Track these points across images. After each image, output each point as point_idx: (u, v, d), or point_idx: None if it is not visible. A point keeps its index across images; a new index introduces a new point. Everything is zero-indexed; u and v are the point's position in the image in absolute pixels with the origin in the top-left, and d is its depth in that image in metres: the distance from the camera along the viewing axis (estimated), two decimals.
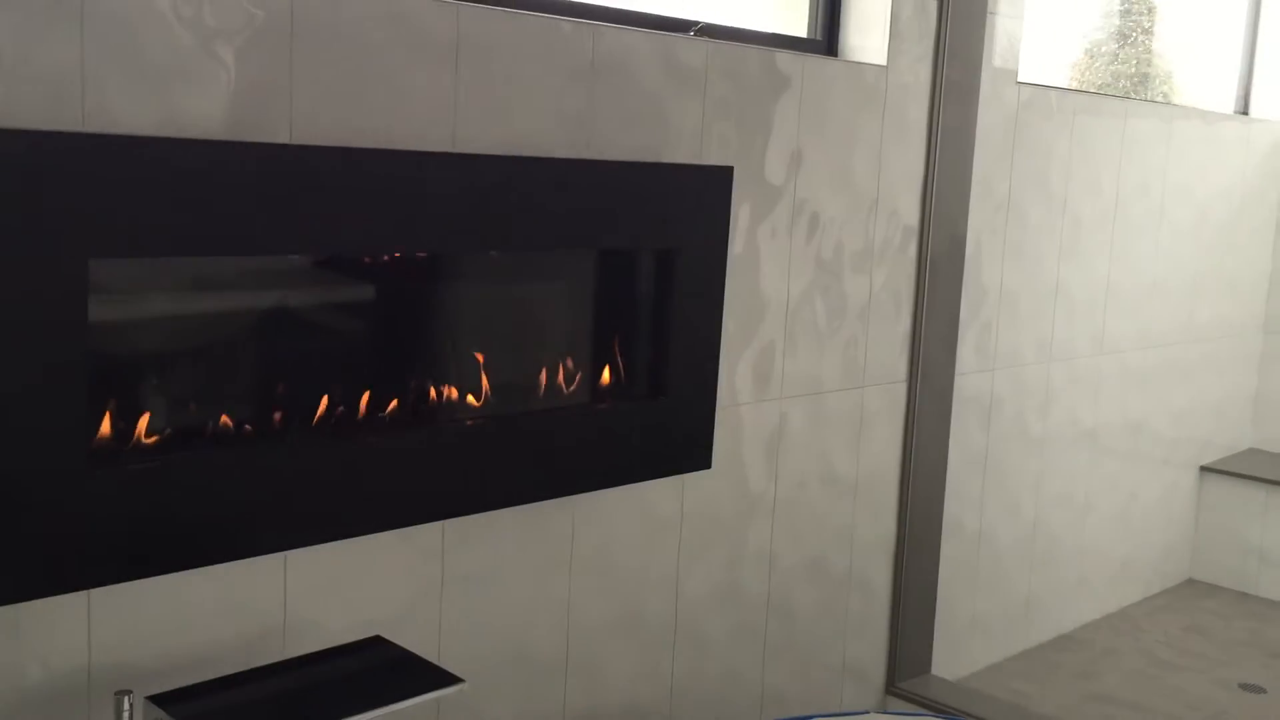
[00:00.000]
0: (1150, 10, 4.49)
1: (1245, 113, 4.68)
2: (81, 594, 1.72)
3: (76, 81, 1.64)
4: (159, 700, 1.57)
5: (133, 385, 1.73)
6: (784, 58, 2.64)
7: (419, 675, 1.72)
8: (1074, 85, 4.04)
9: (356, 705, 1.59)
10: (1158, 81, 4.48)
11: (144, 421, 1.73)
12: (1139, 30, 4.44)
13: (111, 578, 1.66)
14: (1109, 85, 4.20)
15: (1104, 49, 4.28)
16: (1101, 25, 4.25)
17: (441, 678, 1.70)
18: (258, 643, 1.93)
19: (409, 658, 1.79)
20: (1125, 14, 4.35)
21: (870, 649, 3.16)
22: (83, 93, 1.65)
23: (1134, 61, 4.40)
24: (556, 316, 2.33)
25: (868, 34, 2.93)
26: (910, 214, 3.01)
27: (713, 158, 2.48)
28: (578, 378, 2.26)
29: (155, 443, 1.73)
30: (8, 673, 1.68)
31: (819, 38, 2.93)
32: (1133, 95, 4.23)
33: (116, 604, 1.77)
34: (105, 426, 1.65)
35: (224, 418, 1.79)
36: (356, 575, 2.06)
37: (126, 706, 1.53)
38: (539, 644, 2.37)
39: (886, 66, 2.88)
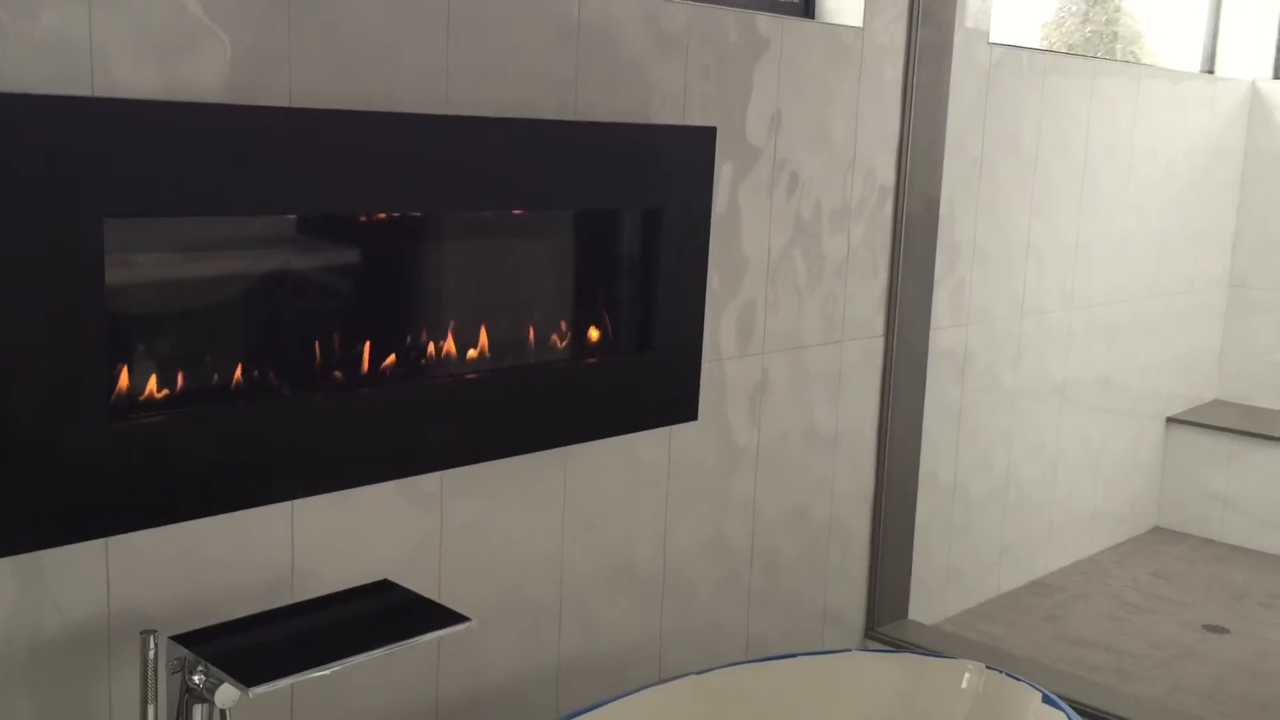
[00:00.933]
0: None
1: (1211, 71, 4.78)
2: (100, 543, 1.80)
3: (85, 48, 1.70)
4: (182, 640, 1.64)
5: (145, 342, 1.80)
6: (763, 20, 2.71)
7: (427, 615, 1.81)
8: (1045, 46, 4.13)
9: (371, 642, 1.67)
10: (1126, 41, 4.57)
11: (154, 378, 1.79)
12: None
13: (130, 526, 1.74)
14: (1079, 45, 4.29)
15: (1074, 8, 4.36)
16: None
17: (449, 617, 1.78)
18: (266, 589, 2.01)
19: (416, 599, 1.88)
20: None
21: (850, 595, 3.27)
22: (90, 59, 1.71)
23: (1104, 21, 4.49)
24: (548, 275, 2.40)
25: None
26: (886, 173, 3.09)
27: (695, 119, 2.55)
28: (569, 334, 2.34)
29: (166, 397, 1.80)
30: (28, 619, 1.75)
31: (797, 0, 3.00)
32: (1101, 55, 4.32)
33: (132, 552, 1.84)
34: (122, 381, 1.72)
35: (236, 373, 1.86)
36: (359, 524, 2.14)
37: (152, 645, 1.60)
38: (534, 591, 2.46)
39: (863, 28, 2.95)
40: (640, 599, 2.68)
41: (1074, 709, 2.16)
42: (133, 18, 1.74)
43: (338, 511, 2.10)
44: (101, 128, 1.61)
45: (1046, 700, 2.16)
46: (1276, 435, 4.51)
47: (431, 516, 2.25)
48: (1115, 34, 4.51)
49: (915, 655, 2.38)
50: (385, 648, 1.66)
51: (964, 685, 2.27)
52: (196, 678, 1.61)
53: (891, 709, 2.28)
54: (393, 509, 2.18)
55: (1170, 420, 4.66)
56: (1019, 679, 2.23)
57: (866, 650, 2.75)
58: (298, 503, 2.03)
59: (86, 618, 1.82)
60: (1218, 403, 4.88)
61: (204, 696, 1.62)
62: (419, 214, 2.14)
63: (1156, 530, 4.63)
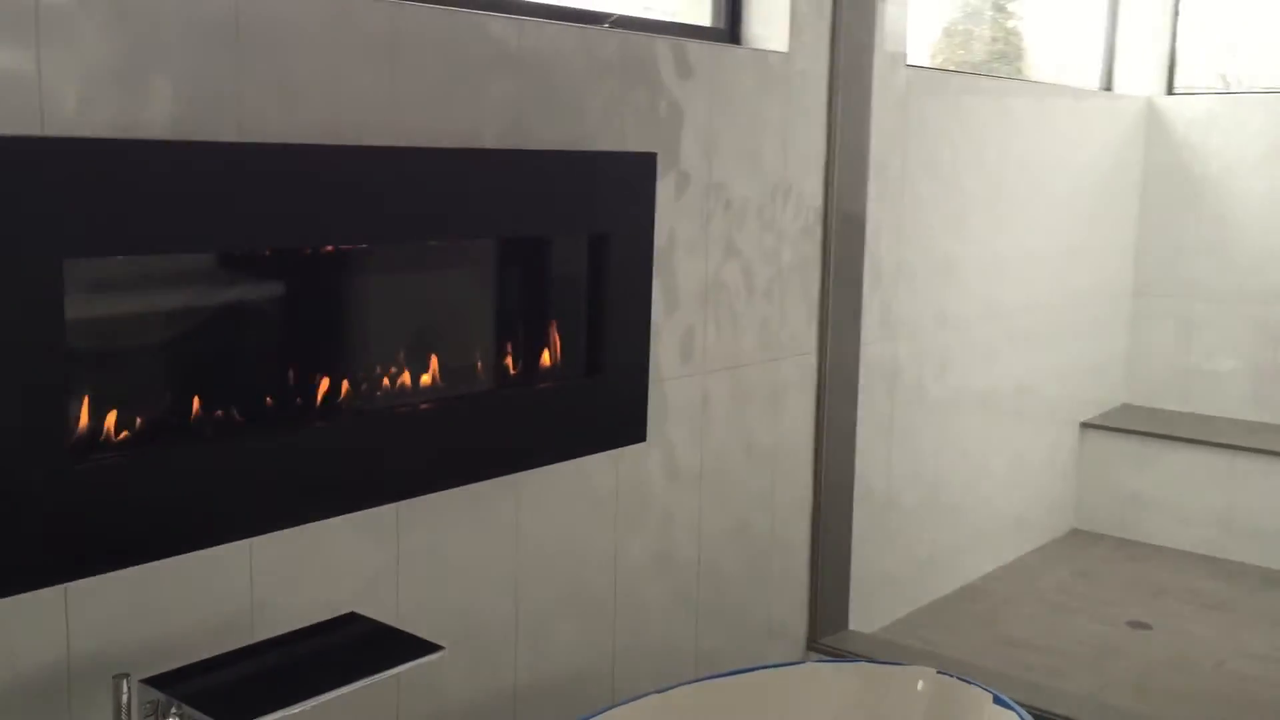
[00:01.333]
0: None
1: (1109, 89, 4.98)
2: (59, 587, 1.77)
3: (34, 87, 1.68)
4: (154, 682, 1.62)
5: (101, 381, 1.77)
6: (694, 47, 2.76)
7: (398, 645, 1.81)
8: (935, 64, 4.26)
9: (346, 676, 1.67)
10: (1018, 59, 4.73)
11: (113, 417, 1.77)
12: (994, 9, 4.69)
13: (95, 569, 1.71)
14: (968, 64, 4.43)
15: (961, 28, 4.51)
16: (960, 4, 4.46)
17: (421, 646, 1.79)
18: (226, 626, 1.99)
19: (384, 629, 1.88)
20: None
21: (792, 608, 3.32)
22: (40, 99, 1.69)
23: (991, 40, 4.65)
24: (496, 302, 2.42)
25: (768, 23, 3.07)
26: (814, 194, 3.17)
27: (632, 145, 2.59)
28: (519, 360, 2.35)
29: (126, 438, 1.78)
30: None
31: (723, 27, 3.06)
32: (995, 74, 4.47)
33: (91, 595, 1.81)
34: (81, 422, 1.69)
35: (194, 410, 1.84)
36: (316, 558, 2.12)
37: (125, 689, 1.58)
38: (489, 618, 2.46)
39: (788, 54, 3.02)
40: (593, 620, 2.70)
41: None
42: (78, 56, 1.73)
43: (295, 546, 2.08)
44: (58, 168, 1.60)
45: (998, 702, 2.23)
46: (1183, 436, 4.69)
47: (388, 547, 2.24)
48: (1004, 53, 4.67)
49: (869, 664, 2.44)
50: (361, 680, 1.66)
51: (918, 691, 2.32)
52: (172, 719, 1.59)
53: (851, 716, 2.34)
54: (349, 541, 2.17)
55: (1084, 425, 4.82)
56: (971, 683, 2.30)
57: (823, 661, 2.80)
58: (255, 539, 2.02)
59: (46, 663, 1.78)
60: (1126, 407, 5.06)
61: None
62: (366, 246, 2.14)
63: (1075, 532, 4.78)
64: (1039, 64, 4.71)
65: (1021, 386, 4.35)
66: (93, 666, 1.83)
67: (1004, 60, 4.65)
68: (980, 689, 2.26)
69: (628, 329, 2.46)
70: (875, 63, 3.30)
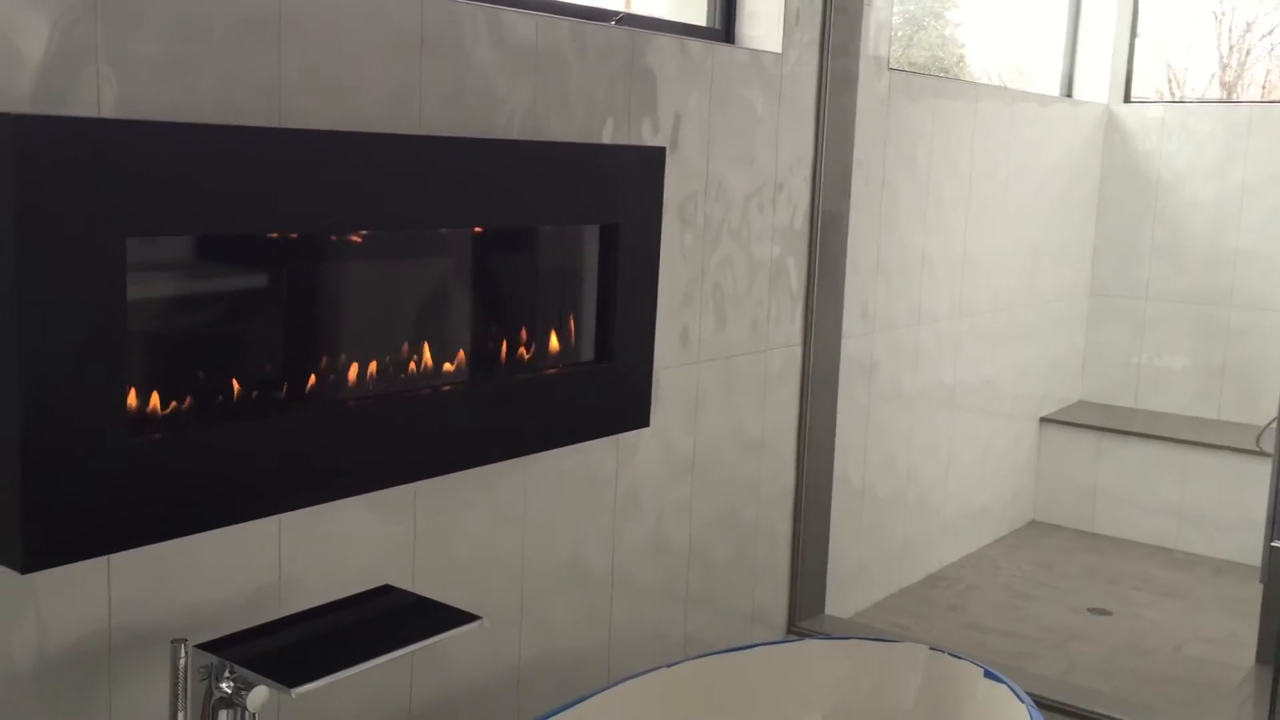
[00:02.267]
0: None
1: (1070, 95, 5.15)
2: (102, 558, 1.82)
3: (92, 69, 1.73)
4: (208, 647, 1.68)
5: (147, 360, 1.82)
6: (695, 46, 2.85)
7: (438, 615, 1.87)
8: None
9: (394, 643, 1.74)
10: (956, 66, 4.87)
11: (156, 395, 1.82)
12: (931, 15, 4.84)
13: (143, 540, 1.76)
14: (918, 67, 4.55)
15: (900, 34, 4.64)
16: (899, 10, 4.57)
17: (461, 616, 1.85)
18: (256, 599, 2.04)
19: (420, 601, 1.94)
20: (920, 1, 4.70)
21: (773, 593, 3.42)
22: (98, 81, 1.74)
23: (932, 46, 4.79)
24: (510, 289, 2.49)
25: (760, 24, 3.17)
26: (802, 191, 3.27)
27: (638, 139, 2.67)
28: (534, 346, 2.43)
29: (170, 414, 1.82)
30: (28, 635, 1.76)
31: (718, 27, 3.16)
32: (949, 76, 4.61)
33: (132, 566, 1.86)
34: (132, 398, 1.74)
35: (235, 388, 1.90)
36: (339, 534, 2.18)
37: (183, 654, 1.64)
38: (497, 596, 2.53)
39: (781, 54, 3.12)
40: (592, 601, 2.78)
41: None
42: (135, 39, 1.78)
43: (320, 523, 2.14)
44: (122, 148, 1.64)
45: (989, 675, 2.34)
46: (1137, 431, 4.87)
47: (405, 526, 2.31)
48: (939, 59, 4.82)
49: (864, 641, 2.54)
50: (411, 646, 1.73)
51: (912, 666, 2.43)
52: (225, 684, 1.65)
53: (847, 690, 2.44)
54: (369, 519, 2.23)
55: (1043, 420, 4.98)
56: (962, 658, 2.41)
57: (820, 638, 2.91)
58: (284, 516, 2.07)
59: (89, 633, 1.83)
60: (1083, 403, 5.24)
61: (232, 702, 1.65)
62: (392, 231, 2.20)
63: (1034, 524, 4.94)
64: (978, 71, 4.87)
65: (987, 382, 4.50)
66: (132, 636, 1.88)
67: (942, 67, 4.79)
68: (971, 663, 2.38)
69: (635, 316, 2.54)
70: (861, 65, 3.41)
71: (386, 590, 1.98)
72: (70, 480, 1.64)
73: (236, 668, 1.63)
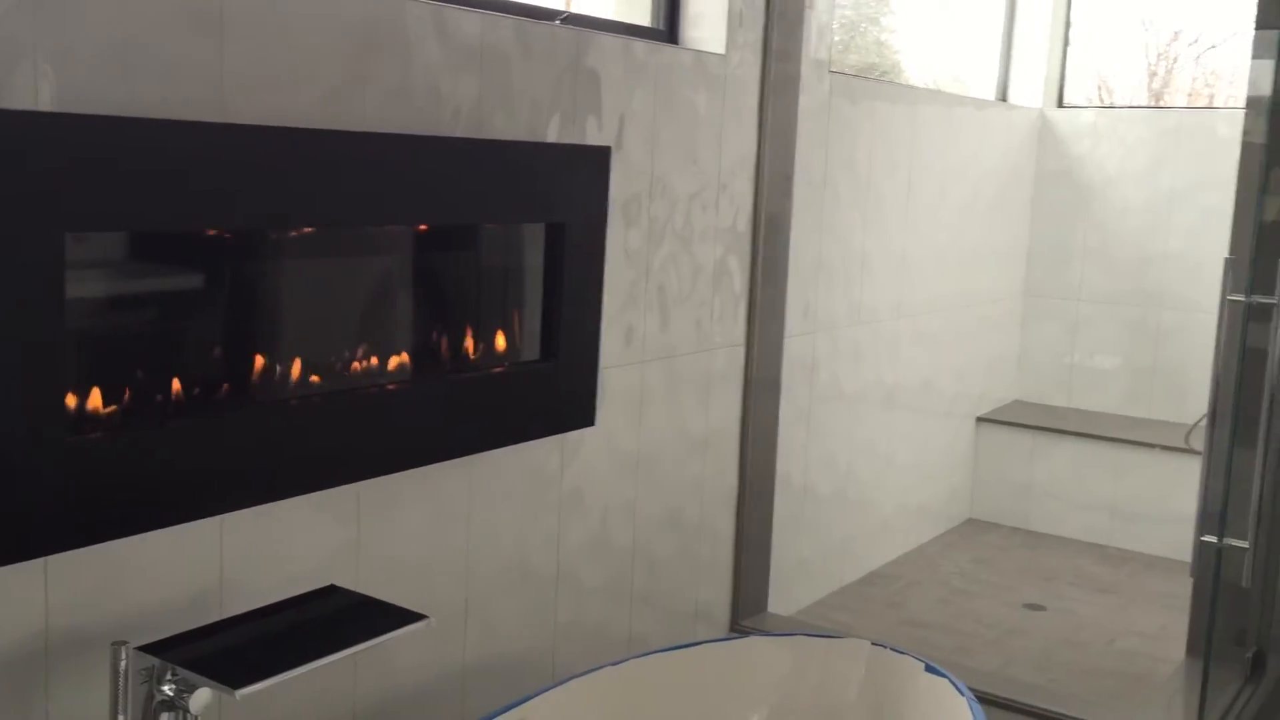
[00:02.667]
0: (880, 1, 4.96)
1: (1005, 100, 5.23)
2: (39, 560, 1.78)
3: (31, 64, 1.70)
4: (150, 649, 1.65)
5: (85, 359, 1.79)
6: (640, 46, 2.86)
7: (384, 615, 1.86)
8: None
9: (339, 643, 1.72)
10: (891, 71, 4.94)
11: (97, 394, 1.79)
12: (867, 21, 4.90)
13: (80, 542, 1.73)
14: (855, 69, 4.60)
15: (837, 39, 4.69)
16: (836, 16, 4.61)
17: (407, 615, 1.84)
18: (197, 601, 2.01)
19: (366, 601, 1.93)
20: (854, 6, 4.75)
21: (717, 591, 3.44)
22: (35, 74, 1.71)
23: (867, 52, 4.85)
24: (455, 287, 2.48)
25: (703, 26, 3.19)
26: (745, 192, 3.29)
27: (583, 138, 2.68)
28: (479, 345, 2.42)
29: (109, 415, 1.79)
30: None
31: (662, 28, 3.17)
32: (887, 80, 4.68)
33: (69, 569, 1.83)
34: (70, 397, 1.71)
35: (175, 387, 1.87)
36: (282, 535, 2.16)
37: (124, 656, 1.61)
38: (442, 596, 2.52)
39: (725, 55, 3.14)
40: (537, 601, 2.78)
41: None
42: (75, 30, 1.75)
43: (263, 523, 2.12)
44: (62, 142, 1.62)
45: (930, 670, 2.37)
46: (1071, 430, 4.96)
47: (349, 528, 2.29)
48: (874, 65, 4.88)
49: (806, 637, 2.56)
50: (357, 646, 1.71)
51: (854, 661, 2.46)
52: (167, 686, 1.63)
53: (791, 687, 2.46)
54: (312, 521, 2.21)
55: (980, 419, 5.06)
56: (904, 653, 2.44)
57: (763, 635, 2.93)
58: (225, 517, 2.05)
59: (23, 637, 1.79)
60: (1018, 403, 5.32)
61: (174, 704, 1.63)
62: (332, 229, 2.19)
63: (970, 521, 5.02)
64: (913, 76, 4.94)
65: (924, 382, 4.56)
66: (70, 640, 1.85)
67: (878, 72, 4.86)
68: (913, 658, 2.41)
69: (580, 315, 2.54)
70: (803, 68, 3.44)
71: (331, 590, 1.97)
72: (5, 481, 1.60)
73: (179, 670, 1.60)
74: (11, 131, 1.58)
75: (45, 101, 1.72)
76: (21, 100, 1.69)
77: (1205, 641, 3.10)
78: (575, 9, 3.01)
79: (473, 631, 2.61)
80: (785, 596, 3.77)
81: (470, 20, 2.39)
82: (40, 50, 1.71)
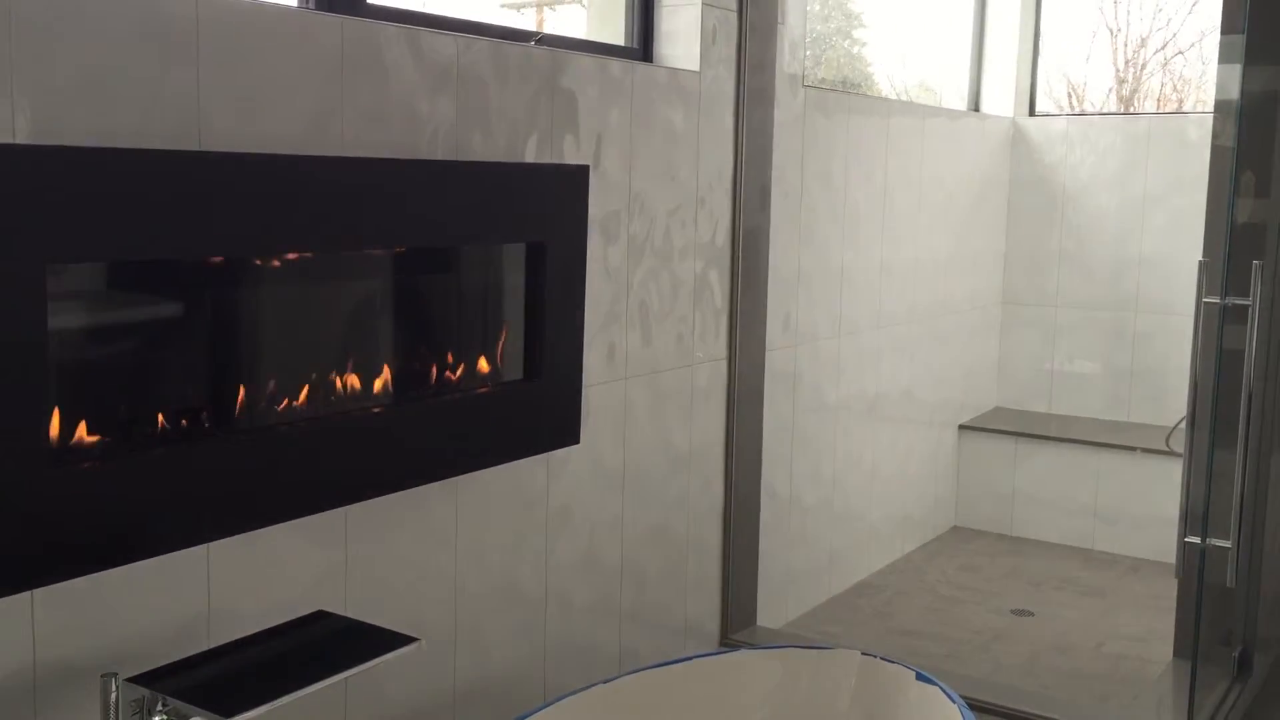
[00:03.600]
0: (850, 16, 5.01)
1: (977, 109, 5.28)
2: (26, 593, 1.77)
3: (7, 98, 1.70)
4: (140, 680, 1.64)
5: (68, 388, 1.78)
6: (615, 65, 2.88)
7: (374, 639, 1.86)
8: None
9: (330, 668, 1.72)
10: (864, 83, 4.98)
11: (82, 424, 1.78)
12: (838, 34, 4.94)
13: (67, 573, 1.72)
14: (827, 83, 4.65)
15: (810, 53, 4.72)
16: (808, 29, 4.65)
17: (397, 639, 1.84)
18: (186, 630, 2.01)
19: (356, 625, 1.92)
20: (824, 20, 4.80)
21: (706, 606, 3.44)
22: (12, 107, 1.71)
23: (839, 65, 4.89)
24: (436, 309, 2.48)
25: (677, 43, 3.21)
26: (723, 206, 3.31)
27: (561, 157, 2.69)
28: (462, 366, 2.42)
29: (94, 444, 1.79)
30: None
31: (636, 46, 3.19)
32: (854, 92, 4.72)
33: (57, 600, 1.82)
34: (54, 427, 1.70)
35: (159, 416, 1.87)
36: (270, 563, 2.15)
37: (113, 688, 1.60)
38: (431, 618, 2.51)
39: (699, 73, 3.16)
40: (526, 620, 2.77)
41: None
42: (50, 61, 1.75)
43: (250, 550, 2.11)
44: (39, 174, 1.61)
45: (921, 678, 2.38)
46: (1052, 436, 4.99)
47: (336, 552, 2.28)
48: (846, 78, 4.92)
49: (797, 649, 2.57)
50: (347, 671, 1.71)
51: (845, 671, 2.46)
52: (158, 717, 1.62)
53: (783, 699, 2.46)
54: (299, 546, 2.21)
55: (962, 427, 5.08)
56: (894, 662, 2.45)
57: (754, 648, 2.93)
58: (212, 545, 2.04)
59: (10, 671, 1.78)
60: (999, 409, 5.35)
61: None
62: (314, 254, 2.19)
63: (955, 529, 5.04)
64: (885, 88, 4.98)
65: (905, 391, 4.58)
66: (58, 672, 1.83)
67: (849, 84, 4.89)
68: (904, 667, 2.42)
69: (563, 334, 2.55)
70: (777, 83, 3.46)
71: (320, 616, 1.96)
72: None
73: (170, 700, 1.60)
74: None
75: (22, 133, 1.72)
76: None
77: (1192, 642, 3.12)
78: (548, 30, 3.04)
79: (463, 653, 2.60)
80: (774, 609, 3.78)
81: (445, 43, 2.40)
82: (16, 82, 1.71)
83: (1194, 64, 5.53)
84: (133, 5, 1.85)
